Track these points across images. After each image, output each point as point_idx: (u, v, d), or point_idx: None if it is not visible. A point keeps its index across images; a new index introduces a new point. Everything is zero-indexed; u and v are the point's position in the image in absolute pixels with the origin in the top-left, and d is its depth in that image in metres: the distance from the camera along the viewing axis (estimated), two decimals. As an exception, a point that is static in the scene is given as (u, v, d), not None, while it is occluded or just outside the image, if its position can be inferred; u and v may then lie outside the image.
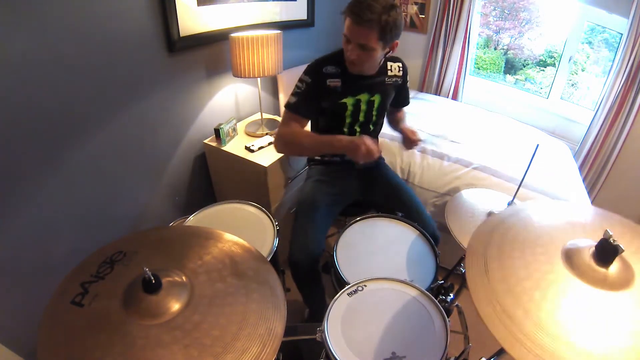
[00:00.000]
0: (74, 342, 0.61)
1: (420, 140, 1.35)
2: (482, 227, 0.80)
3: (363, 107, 1.32)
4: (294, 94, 1.26)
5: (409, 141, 1.35)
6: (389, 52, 1.20)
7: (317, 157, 1.51)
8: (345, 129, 1.36)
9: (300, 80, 1.26)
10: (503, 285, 0.63)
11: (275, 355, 0.63)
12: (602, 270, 0.63)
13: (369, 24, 1.05)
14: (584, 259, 0.65)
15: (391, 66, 1.35)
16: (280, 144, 1.29)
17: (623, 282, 0.63)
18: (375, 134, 1.47)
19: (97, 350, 0.60)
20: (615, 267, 0.64)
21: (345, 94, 1.27)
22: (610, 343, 0.55)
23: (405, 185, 1.49)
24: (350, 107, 1.30)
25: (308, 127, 1.44)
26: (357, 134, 1.37)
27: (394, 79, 1.36)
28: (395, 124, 1.53)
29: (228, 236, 0.87)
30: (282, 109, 2.15)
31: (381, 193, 1.45)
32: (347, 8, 1.09)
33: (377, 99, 1.33)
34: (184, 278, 0.72)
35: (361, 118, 1.35)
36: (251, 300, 0.71)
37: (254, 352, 0.61)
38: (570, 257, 0.67)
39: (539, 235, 0.74)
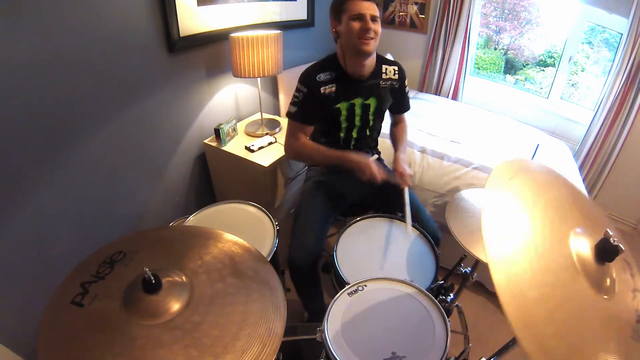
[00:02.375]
0: (74, 342, 0.61)
1: (408, 184, 1.30)
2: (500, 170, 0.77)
3: (358, 111, 1.32)
4: (293, 103, 1.29)
5: (397, 179, 1.31)
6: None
7: None
8: (342, 134, 1.36)
9: (297, 89, 1.28)
10: (524, 264, 0.62)
11: (275, 356, 0.63)
12: (600, 270, 0.63)
13: None
14: (586, 255, 0.65)
15: (386, 69, 1.34)
16: (290, 153, 1.38)
17: (609, 289, 0.63)
18: (372, 140, 1.46)
19: (97, 350, 0.60)
20: (609, 271, 0.64)
21: (338, 99, 1.28)
22: (599, 344, 0.55)
23: (411, 192, 1.48)
24: (344, 112, 1.30)
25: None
26: (354, 140, 1.38)
27: (389, 82, 1.35)
28: (394, 141, 1.50)
29: (228, 236, 0.87)
30: (282, 109, 2.16)
31: (380, 195, 1.45)
32: None
33: (372, 102, 1.32)
34: (184, 278, 0.72)
35: (357, 122, 1.34)
36: (251, 300, 0.71)
37: (254, 352, 0.61)
38: (576, 248, 0.67)
39: (558, 206, 0.72)
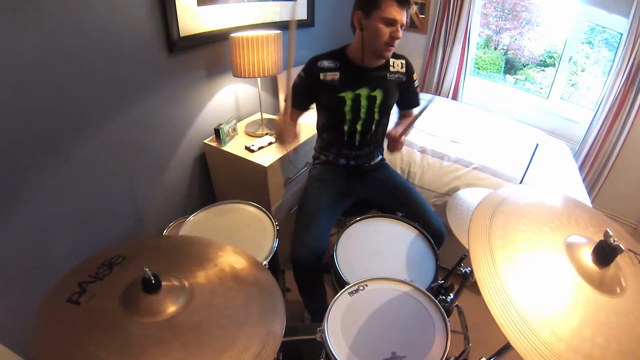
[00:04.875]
0: (70, 339, 0.61)
1: (396, 149, 1.29)
2: (480, 211, 0.77)
3: (363, 102, 1.30)
4: (291, 87, 1.30)
5: (392, 143, 1.29)
6: None
7: (321, 157, 1.50)
8: (346, 127, 1.35)
9: (298, 75, 1.33)
10: (512, 282, 0.62)
11: (275, 355, 0.64)
12: (600, 270, 0.63)
13: (409, 4, 1.17)
14: (584, 257, 0.65)
15: (393, 62, 1.34)
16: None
17: (615, 288, 0.63)
18: (378, 136, 1.45)
19: (92, 346, 0.59)
20: (612, 270, 0.64)
21: (343, 88, 1.27)
22: (600, 344, 0.55)
23: (408, 184, 1.48)
24: (349, 102, 1.29)
25: (307, 125, 1.44)
26: (358, 134, 1.37)
27: (396, 75, 1.34)
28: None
29: (227, 245, 0.87)
30: (282, 109, 2.16)
31: (383, 192, 1.44)
32: None
33: (378, 94, 1.31)
34: (183, 281, 0.72)
35: (362, 115, 1.33)
36: (251, 303, 0.72)
37: (254, 352, 0.62)
38: (572, 252, 0.67)
39: (540, 226, 0.72)
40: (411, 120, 1.21)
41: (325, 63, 1.27)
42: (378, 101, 1.32)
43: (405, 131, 1.24)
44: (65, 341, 0.60)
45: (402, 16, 1.16)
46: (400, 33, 1.18)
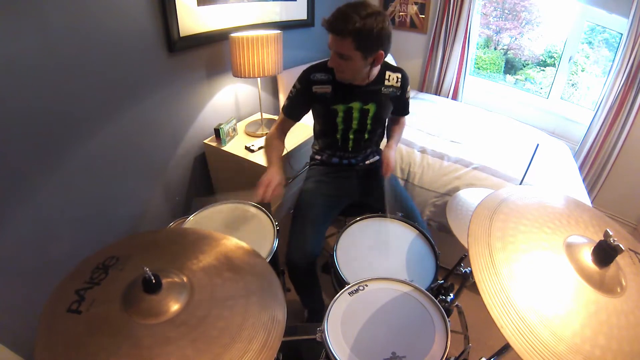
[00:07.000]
0: (77, 350, 0.60)
1: (387, 174, 1.30)
2: (479, 212, 0.76)
3: (355, 114, 1.30)
4: (287, 97, 1.35)
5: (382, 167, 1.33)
6: (373, 62, 1.17)
7: (316, 158, 1.51)
8: (339, 135, 1.36)
9: (293, 85, 1.32)
10: (513, 282, 0.62)
11: (278, 350, 0.64)
12: (600, 270, 0.63)
13: (341, 33, 1.07)
14: (584, 257, 0.65)
15: (389, 76, 1.32)
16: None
17: (615, 288, 0.63)
18: (371, 143, 1.45)
19: (102, 353, 0.59)
20: (612, 270, 0.64)
21: (335, 100, 1.28)
22: (601, 345, 0.55)
23: (403, 190, 1.48)
24: (340, 114, 1.30)
25: (306, 126, 1.44)
26: (351, 141, 1.37)
27: (390, 89, 1.32)
28: (388, 134, 1.52)
29: (220, 235, 0.87)
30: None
31: (375, 196, 1.45)
32: (325, 18, 1.10)
33: (371, 107, 1.30)
34: (182, 277, 0.72)
35: (354, 126, 1.33)
36: (251, 292, 0.72)
37: (261, 340, 0.63)
38: (572, 252, 0.67)
39: (540, 226, 0.72)
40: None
41: (318, 76, 1.26)
42: (371, 114, 1.32)
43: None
44: (72, 353, 0.60)
45: (335, 46, 1.10)
46: (338, 60, 1.13)
